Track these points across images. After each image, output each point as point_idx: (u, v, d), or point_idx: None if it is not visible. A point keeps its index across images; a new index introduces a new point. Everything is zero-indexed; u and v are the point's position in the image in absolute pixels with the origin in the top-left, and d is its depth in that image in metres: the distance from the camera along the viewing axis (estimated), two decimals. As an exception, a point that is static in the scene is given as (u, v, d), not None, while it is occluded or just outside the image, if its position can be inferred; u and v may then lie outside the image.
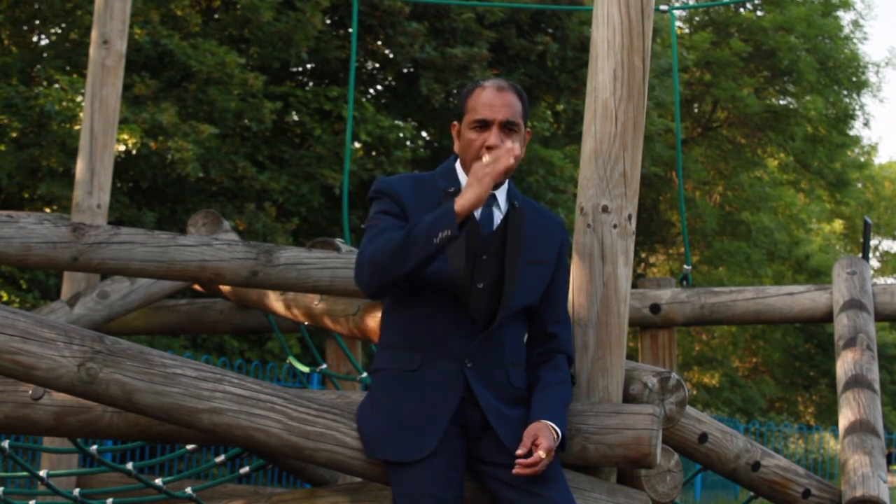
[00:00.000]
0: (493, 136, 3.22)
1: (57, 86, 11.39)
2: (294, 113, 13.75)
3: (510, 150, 3.07)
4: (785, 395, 26.60)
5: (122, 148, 11.05)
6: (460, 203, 3.04)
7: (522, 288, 3.24)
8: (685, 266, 6.29)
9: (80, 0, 12.00)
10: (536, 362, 3.33)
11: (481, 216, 3.26)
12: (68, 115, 10.88)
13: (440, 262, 3.17)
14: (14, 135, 11.40)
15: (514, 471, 3.05)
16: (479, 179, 3.05)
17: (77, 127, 10.78)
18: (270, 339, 13.07)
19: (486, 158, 3.09)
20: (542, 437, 3.09)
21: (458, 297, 3.18)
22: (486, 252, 3.23)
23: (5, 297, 11.25)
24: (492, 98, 3.25)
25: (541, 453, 3.05)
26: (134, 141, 10.98)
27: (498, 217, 3.28)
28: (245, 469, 4.38)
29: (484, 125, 3.24)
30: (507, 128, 3.24)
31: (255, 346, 13.18)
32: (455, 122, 3.36)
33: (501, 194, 3.31)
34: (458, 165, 3.32)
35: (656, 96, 17.56)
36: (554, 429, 3.14)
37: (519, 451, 3.07)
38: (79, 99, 10.80)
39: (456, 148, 3.34)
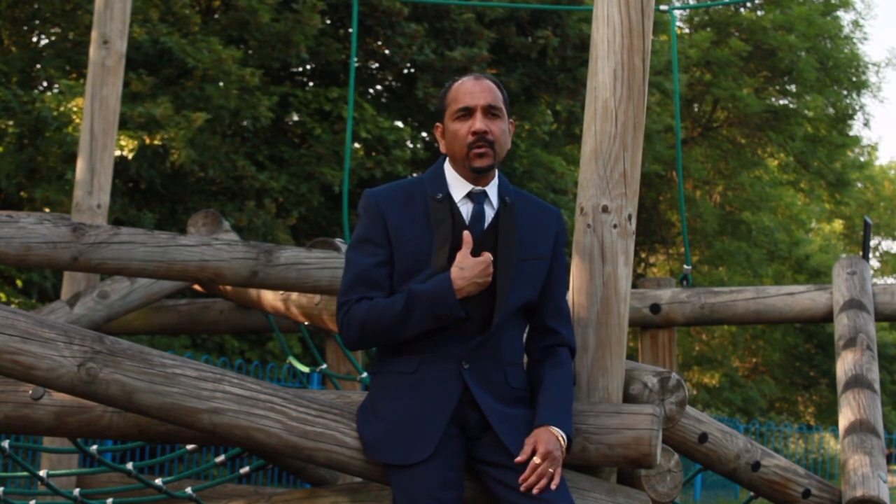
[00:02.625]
0: (478, 121, 3.22)
1: (56, 90, 11.36)
2: (294, 113, 13.75)
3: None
4: (785, 395, 26.60)
5: (117, 153, 11.02)
6: (460, 289, 3.12)
7: (518, 287, 3.23)
8: (685, 266, 6.30)
9: (80, 0, 11.99)
10: (539, 358, 3.32)
11: (473, 214, 3.25)
12: (65, 120, 10.85)
13: (428, 271, 3.17)
14: (10, 140, 11.37)
15: (522, 487, 3.05)
16: (475, 280, 3.13)
17: (74, 132, 10.76)
18: (271, 339, 13.07)
19: (482, 258, 3.15)
20: (540, 442, 3.09)
21: None
22: (479, 253, 3.21)
23: (3, 298, 11.24)
24: (471, 86, 3.26)
25: (535, 459, 3.06)
26: (131, 147, 10.97)
27: (490, 215, 3.27)
28: (245, 469, 4.38)
29: (467, 112, 3.24)
30: (491, 112, 3.24)
31: (256, 346, 13.19)
32: (438, 124, 3.34)
33: (493, 190, 3.29)
34: (446, 166, 3.30)
35: (661, 85, 17.54)
36: (559, 434, 3.14)
37: (518, 459, 3.08)
38: (75, 103, 10.77)
39: (442, 148, 3.32)
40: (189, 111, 11.72)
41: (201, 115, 11.55)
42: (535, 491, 3.05)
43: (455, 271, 3.10)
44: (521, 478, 3.06)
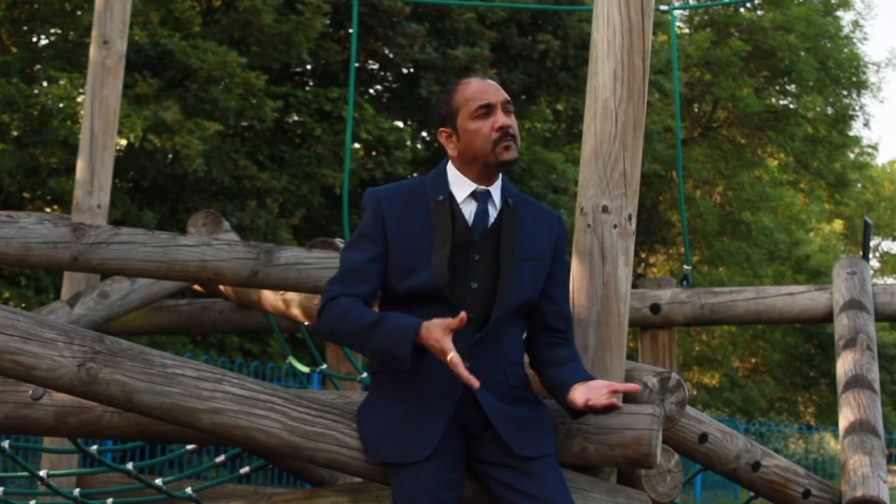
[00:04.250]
0: (501, 117, 3.24)
1: (59, 84, 11.36)
2: (294, 114, 13.75)
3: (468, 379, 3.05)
4: (785, 395, 26.59)
5: (123, 142, 10.99)
6: (424, 340, 3.03)
7: (518, 286, 3.24)
8: (685, 266, 6.30)
9: (79, 0, 11.99)
10: (546, 345, 3.36)
11: (475, 215, 3.26)
12: (69, 112, 10.86)
13: (426, 272, 3.18)
14: (14, 133, 11.37)
15: (604, 401, 3.19)
16: (450, 361, 3.02)
17: (77, 124, 10.77)
18: (271, 337, 13.07)
19: (454, 361, 3.02)
20: (605, 385, 3.21)
21: (450, 300, 3.19)
22: (479, 252, 3.23)
23: (7, 295, 11.24)
24: (483, 85, 3.29)
25: (618, 386, 3.21)
26: (135, 134, 10.95)
27: (492, 215, 3.28)
28: (245, 469, 4.38)
29: (488, 109, 3.25)
30: (507, 107, 3.27)
31: (255, 342, 13.20)
32: (442, 129, 3.32)
33: (496, 191, 3.30)
34: (449, 168, 3.31)
35: (661, 85, 17.53)
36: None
37: (612, 395, 3.19)
38: (79, 98, 10.78)
39: (452, 152, 3.30)
40: (201, 118, 11.72)
41: (213, 124, 11.57)
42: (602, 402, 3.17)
43: (427, 325, 3.05)
44: (608, 391, 3.19)
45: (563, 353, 3.32)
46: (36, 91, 11.08)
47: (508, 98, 3.28)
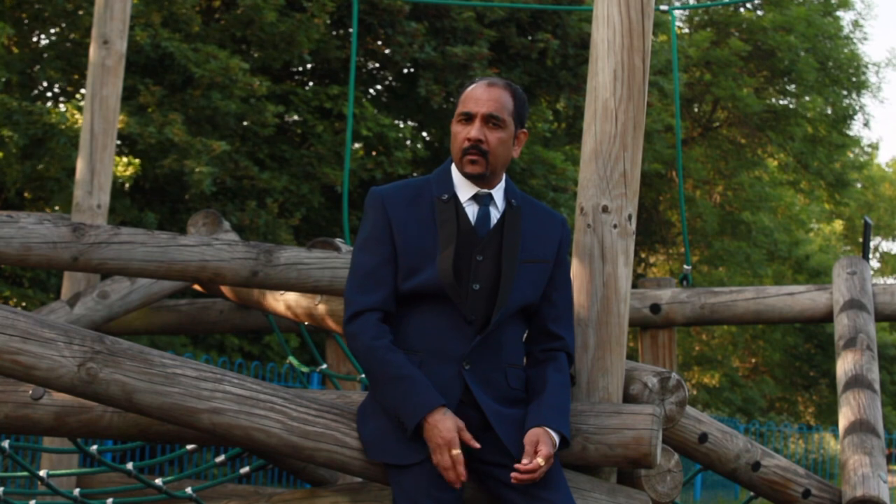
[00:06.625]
0: (474, 129, 3.23)
1: (61, 102, 11.33)
2: (295, 113, 13.74)
3: (457, 476, 3.07)
4: (785, 395, 26.61)
5: (118, 166, 10.96)
6: (433, 423, 3.05)
7: (519, 288, 3.24)
8: (685, 266, 6.30)
9: (80, 1, 11.98)
10: (538, 359, 3.32)
11: (478, 216, 3.26)
12: (70, 134, 10.83)
13: (430, 270, 3.18)
14: (14, 150, 11.33)
15: (513, 479, 3.06)
16: (442, 461, 3.06)
17: (76, 150, 10.74)
18: (271, 337, 13.06)
19: (456, 454, 3.06)
20: (542, 443, 3.09)
21: (453, 300, 3.19)
22: (483, 253, 3.23)
23: (8, 294, 11.23)
24: (479, 92, 3.27)
25: (539, 461, 3.06)
26: (129, 174, 10.96)
27: (495, 216, 3.28)
28: (245, 469, 4.38)
29: (468, 118, 3.25)
30: (491, 122, 3.24)
31: (255, 342, 13.20)
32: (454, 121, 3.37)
33: (499, 193, 3.30)
34: (453, 167, 3.32)
35: (661, 85, 17.53)
36: (555, 439, 3.14)
37: (523, 462, 3.06)
38: (79, 119, 10.76)
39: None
40: (207, 138, 11.70)
41: (221, 144, 11.58)
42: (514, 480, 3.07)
43: (440, 417, 3.07)
44: (517, 476, 3.06)
45: (551, 377, 3.26)
46: (39, 109, 11.01)
47: (495, 113, 3.23)
